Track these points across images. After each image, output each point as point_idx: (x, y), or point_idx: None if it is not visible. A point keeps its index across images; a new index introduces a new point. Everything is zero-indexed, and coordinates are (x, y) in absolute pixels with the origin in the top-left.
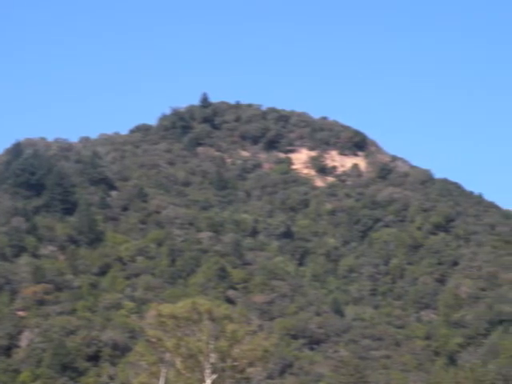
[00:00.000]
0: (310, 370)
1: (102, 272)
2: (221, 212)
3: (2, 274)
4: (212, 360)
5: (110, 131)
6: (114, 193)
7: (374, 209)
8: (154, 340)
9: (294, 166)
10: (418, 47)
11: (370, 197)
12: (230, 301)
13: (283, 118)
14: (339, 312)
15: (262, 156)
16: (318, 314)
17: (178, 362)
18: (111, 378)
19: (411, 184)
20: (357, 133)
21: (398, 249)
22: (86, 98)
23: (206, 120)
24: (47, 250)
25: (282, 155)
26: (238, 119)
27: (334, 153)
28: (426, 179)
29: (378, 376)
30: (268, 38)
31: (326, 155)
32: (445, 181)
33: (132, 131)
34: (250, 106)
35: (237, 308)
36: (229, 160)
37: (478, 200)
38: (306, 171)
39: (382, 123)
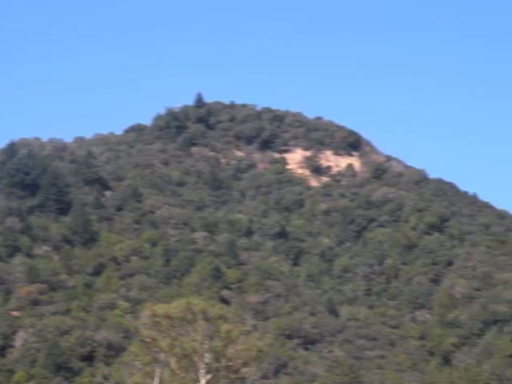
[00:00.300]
0: (304, 369)
1: (97, 272)
2: (215, 212)
3: None
4: (206, 360)
5: (104, 131)
6: (108, 193)
7: (369, 209)
8: (148, 340)
9: (288, 166)
10: (414, 47)
11: (365, 197)
12: (224, 301)
13: (278, 117)
14: (334, 312)
15: (257, 156)
16: (312, 314)
17: (173, 362)
18: (105, 378)
19: (406, 184)
20: (351, 133)
21: (393, 249)
22: (80, 98)
23: (200, 120)
24: (41, 249)
25: (276, 155)
26: (232, 119)
27: (328, 153)
28: (421, 179)
29: (372, 376)
30: (263, 38)
31: (321, 155)
32: (439, 181)
33: (126, 131)
34: (244, 106)
35: (231, 308)
36: (223, 160)
37: (473, 200)
38: (300, 171)
39: (377, 123)
